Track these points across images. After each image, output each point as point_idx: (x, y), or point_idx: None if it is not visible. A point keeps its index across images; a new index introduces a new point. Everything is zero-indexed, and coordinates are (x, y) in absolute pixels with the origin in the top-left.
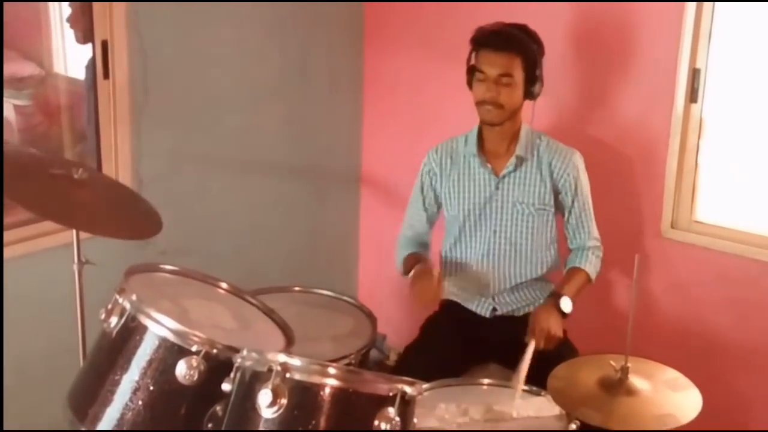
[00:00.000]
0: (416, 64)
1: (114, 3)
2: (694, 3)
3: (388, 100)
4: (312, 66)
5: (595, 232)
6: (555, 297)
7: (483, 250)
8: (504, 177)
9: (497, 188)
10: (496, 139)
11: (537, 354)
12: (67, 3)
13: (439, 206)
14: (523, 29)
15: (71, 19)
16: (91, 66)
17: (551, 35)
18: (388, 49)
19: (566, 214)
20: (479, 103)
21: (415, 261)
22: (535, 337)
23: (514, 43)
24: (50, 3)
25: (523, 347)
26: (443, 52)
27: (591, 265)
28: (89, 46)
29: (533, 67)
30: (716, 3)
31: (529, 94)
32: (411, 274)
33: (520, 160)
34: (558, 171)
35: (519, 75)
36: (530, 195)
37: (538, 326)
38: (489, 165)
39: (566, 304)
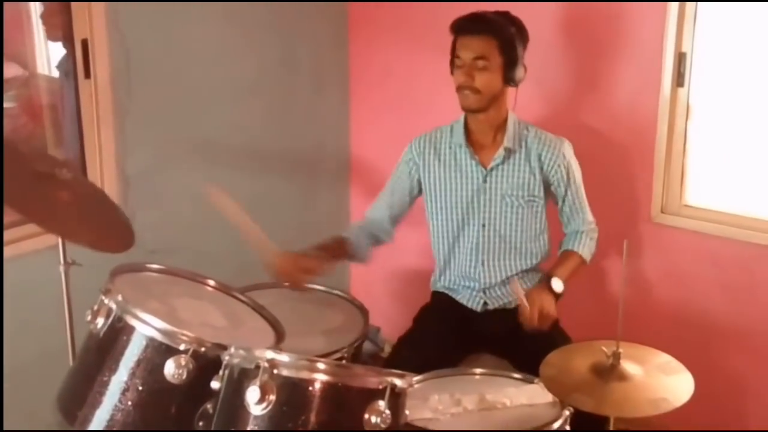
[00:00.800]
0: (403, 56)
1: (93, 1)
2: None
3: (375, 93)
4: (297, 60)
5: (589, 216)
6: (547, 278)
7: (472, 244)
8: (492, 169)
9: (485, 181)
10: (482, 129)
11: (530, 333)
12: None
13: (411, 198)
14: (502, 15)
15: (44, 16)
16: (64, 65)
17: (538, 23)
18: (374, 41)
19: (560, 203)
20: (458, 89)
21: (331, 242)
22: (528, 313)
23: (489, 27)
24: (31, 3)
25: (516, 339)
26: (430, 42)
27: (585, 247)
28: (60, 44)
29: (511, 50)
30: None
31: (509, 80)
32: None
33: (509, 152)
34: (548, 163)
35: (496, 58)
36: (519, 187)
37: (531, 300)
38: (477, 157)
39: (557, 285)
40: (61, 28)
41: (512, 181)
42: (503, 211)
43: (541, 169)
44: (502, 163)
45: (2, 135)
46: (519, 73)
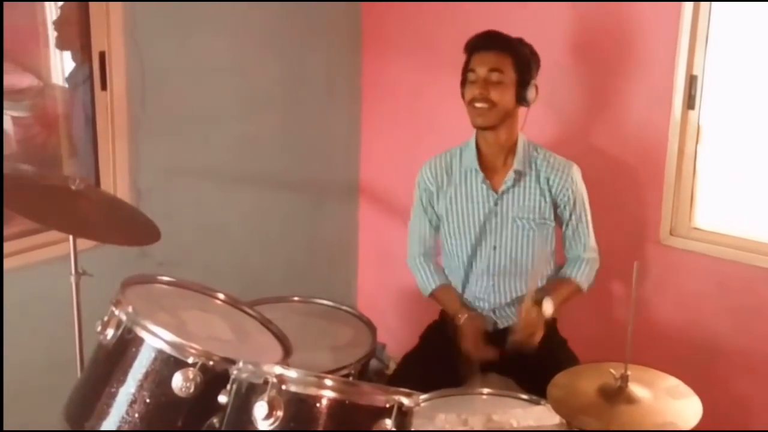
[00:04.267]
0: (414, 71)
1: (111, 13)
2: (691, 9)
3: (386, 108)
4: (309, 74)
5: (592, 243)
6: (539, 298)
7: (483, 266)
8: (503, 193)
9: (496, 204)
10: (492, 151)
11: (538, 358)
12: (57, 7)
13: (439, 219)
14: (517, 39)
15: (57, 23)
16: (74, 77)
17: (549, 43)
18: (386, 56)
19: (563, 226)
20: (470, 103)
21: (452, 297)
22: (519, 323)
23: (505, 44)
24: (47, 13)
25: (523, 358)
26: (442, 58)
27: (583, 276)
28: (70, 54)
29: (525, 69)
30: (712, 8)
31: (522, 98)
32: (460, 322)
33: (519, 175)
34: (556, 186)
35: (510, 74)
36: (530, 210)
37: (520, 317)
38: (488, 181)
39: (548, 305)
40: (75, 38)
41: (523, 204)
42: (514, 234)
43: (550, 191)
44: (513, 186)
45: (2, 141)
46: (531, 93)
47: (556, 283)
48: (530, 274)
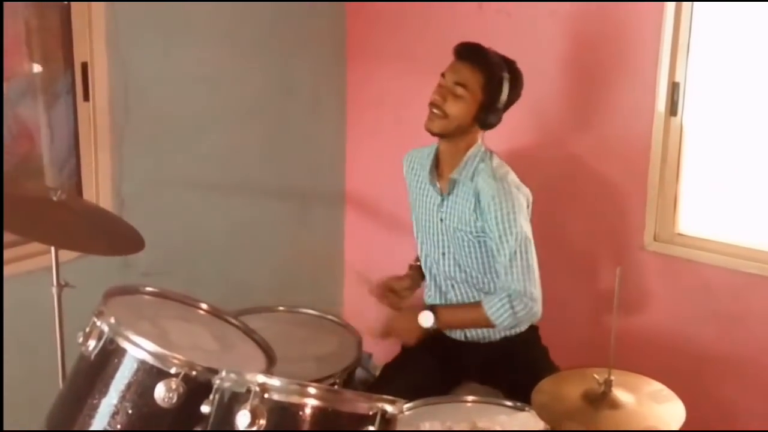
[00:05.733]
0: (400, 80)
1: (94, 23)
2: (672, 16)
3: (371, 117)
4: (294, 84)
5: (522, 287)
6: (427, 307)
7: (435, 271)
8: (443, 199)
9: (440, 209)
10: (444, 156)
11: (516, 370)
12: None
13: None
14: (507, 60)
15: (32, 36)
16: (56, 87)
17: (534, 51)
18: (371, 65)
19: (495, 253)
20: (429, 106)
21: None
22: (382, 325)
23: (483, 61)
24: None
25: (502, 370)
26: (427, 67)
27: (497, 312)
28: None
29: (494, 93)
30: (693, 16)
31: (481, 119)
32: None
33: (453, 183)
34: (483, 207)
35: (475, 91)
36: (466, 222)
37: (388, 318)
38: (437, 184)
39: (425, 318)
40: (56, 49)
41: (460, 215)
42: (458, 243)
43: (482, 211)
44: (450, 193)
45: (2, 140)
46: (492, 119)
47: (466, 304)
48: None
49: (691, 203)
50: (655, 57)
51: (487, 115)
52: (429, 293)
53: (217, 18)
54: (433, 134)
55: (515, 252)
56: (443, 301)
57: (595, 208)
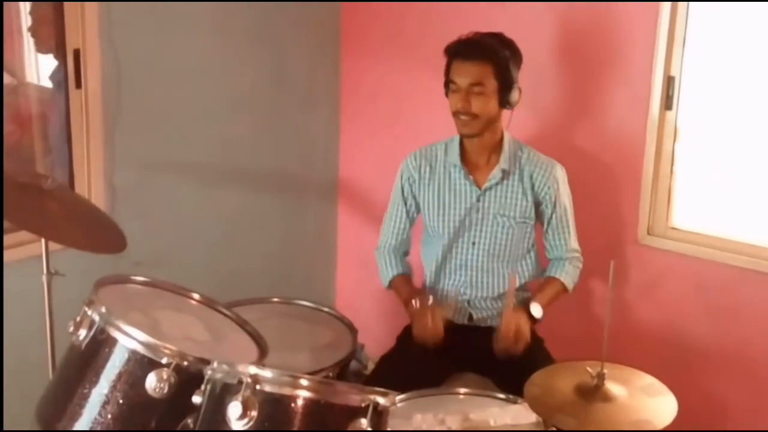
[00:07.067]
0: (394, 73)
1: (86, 11)
2: (668, 11)
3: (365, 109)
4: (288, 74)
5: (574, 244)
6: (526, 303)
7: (461, 261)
8: (486, 190)
9: (478, 200)
10: (476, 150)
11: (508, 356)
12: (29, 12)
13: (418, 212)
14: (496, 37)
15: (32, 29)
16: (56, 75)
17: (530, 45)
18: (365, 57)
19: (545, 225)
20: (454, 114)
21: (408, 287)
22: (502, 328)
23: (484, 52)
24: (22, 13)
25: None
26: (421, 60)
27: (567, 275)
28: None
29: (505, 74)
30: (690, 10)
31: (505, 103)
32: (410, 310)
33: (505, 174)
34: (539, 184)
35: (491, 83)
36: (512, 208)
37: (506, 320)
38: (471, 177)
39: (536, 310)
40: (52, 40)
41: (505, 202)
42: (494, 231)
43: (533, 189)
44: (497, 183)
45: (2, 137)
46: (514, 95)
47: (542, 283)
48: (509, 283)
49: (685, 197)
50: (651, 51)
51: (508, 95)
52: (447, 285)
53: (211, 6)
54: (470, 136)
55: (561, 216)
56: (466, 291)
57: (589, 201)
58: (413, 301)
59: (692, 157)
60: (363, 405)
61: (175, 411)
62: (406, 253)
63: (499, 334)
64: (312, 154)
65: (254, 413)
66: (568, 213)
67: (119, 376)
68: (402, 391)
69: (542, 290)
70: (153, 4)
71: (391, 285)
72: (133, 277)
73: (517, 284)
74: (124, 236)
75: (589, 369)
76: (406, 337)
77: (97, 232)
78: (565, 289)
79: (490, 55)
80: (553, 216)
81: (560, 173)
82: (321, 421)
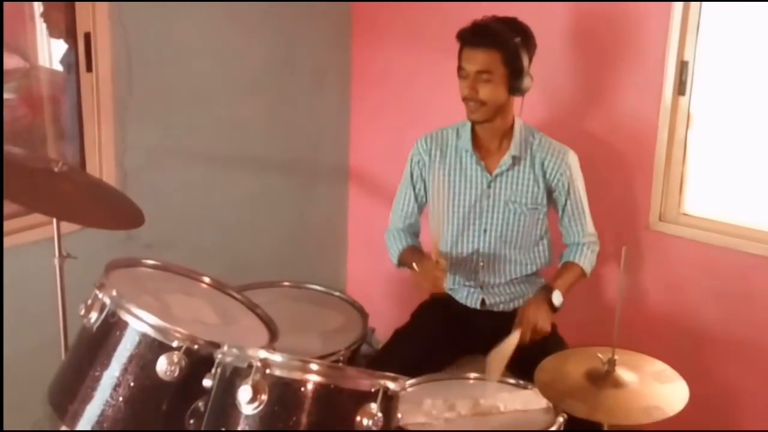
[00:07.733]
0: (405, 57)
1: None
2: None
3: (376, 93)
4: (299, 58)
5: (590, 228)
6: (547, 290)
7: (472, 247)
8: (497, 176)
9: (489, 187)
10: (487, 135)
11: (524, 346)
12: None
13: (428, 196)
14: (509, 23)
15: (45, 14)
16: (66, 59)
17: (543, 30)
18: (376, 41)
19: (560, 212)
20: (464, 100)
21: (417, 253)
22: (522, 328)
23: (492, 39)
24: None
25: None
26: (432, 44)
27: (585, 259)
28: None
29: (515, 61)
30: None
31: (515, 90)
32: (414, 264)
33: (516, 160)
34: (551, 171)
35: (499, 70)
36: (523, 194)
37: (526, 318)
38: (482, 162)
39: (557, 298)
40: (63, 24)
41: (516, 189)
42: (506, 217)
43: (545, 176)
44: (508, 170)
45: (2, 131)
46: (525, 82)
47: (560, 269)
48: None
49: (697, 183)
50: (664, 36)
51: (518, 82)
52: (457, 270)
53: None
54: (478, 123)
55: (576, 202)
56: (477, 276)
57: (601, 187)
58: (417, 263)
59: (705, 142)
60: (373, 390)
61: (186, 394)
62: (415, 234)
63: (522, 327)
64: (322, 138)
65: (264, 397)
66: (583, 199)
67: (130, 359)
68: (414, 367)
69: (561, 276)
70: None
71: (401, 260)
72: (143, 261)
73: (529, 272)
74: (141, 211)
75: (600, 355)
76: (420, 314)
77: (114, 209)
78: (583, 273)
79: (500, 43)
80: (568, 202)
81: (573, 159)
82: (331, 406)
